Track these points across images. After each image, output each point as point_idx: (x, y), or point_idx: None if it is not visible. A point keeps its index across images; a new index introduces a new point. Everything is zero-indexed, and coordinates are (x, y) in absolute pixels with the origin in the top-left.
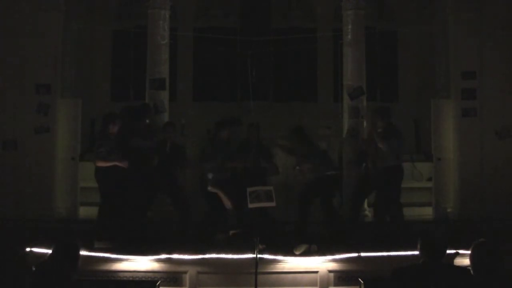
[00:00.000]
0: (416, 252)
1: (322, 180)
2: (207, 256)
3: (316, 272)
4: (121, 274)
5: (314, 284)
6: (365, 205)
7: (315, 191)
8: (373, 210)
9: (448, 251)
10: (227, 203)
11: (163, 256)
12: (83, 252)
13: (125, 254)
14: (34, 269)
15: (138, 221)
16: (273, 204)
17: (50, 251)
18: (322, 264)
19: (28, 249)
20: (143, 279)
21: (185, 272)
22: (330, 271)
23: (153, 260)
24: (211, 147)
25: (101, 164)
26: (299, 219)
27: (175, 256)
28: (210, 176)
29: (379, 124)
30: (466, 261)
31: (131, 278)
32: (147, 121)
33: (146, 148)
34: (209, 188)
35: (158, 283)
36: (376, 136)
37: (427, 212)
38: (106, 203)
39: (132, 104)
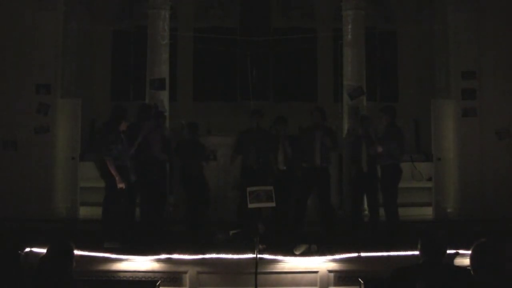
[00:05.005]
0: (416, 252)
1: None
2: (207, 256)
3: (316, 272)
4: (121, 274)
5: (314, 284)
6: (365, 205)
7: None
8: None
9: (448, 251)
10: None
11: (163, 256)
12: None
13: (125, 254)
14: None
15: (155, 220)
16: (273, 204)
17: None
18: (322, 264)
19: (28, 249)
20: (143, 279)
21: (185, 272)
22: (330, 271)
23: (153, 260)
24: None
25: (109, 166)
26: (296, 218)
27: (175, 256)
28: None
29: (382, 121)
30: (466, 261)
31: (131, 278)
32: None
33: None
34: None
35: (158, 283)
36: (373, 139)
37: (427, 212)
38: (112, 201)
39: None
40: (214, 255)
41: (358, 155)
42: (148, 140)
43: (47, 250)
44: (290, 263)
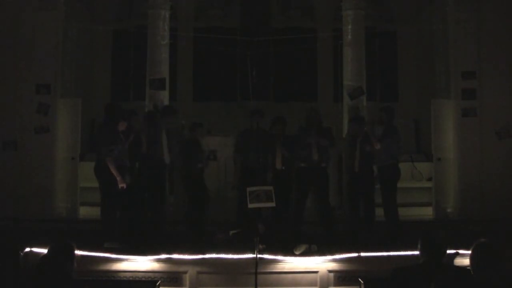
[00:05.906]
0: (416, 252)
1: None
2: (207, 256)
3: (316, 272)
4: (121, 274)
5: (314, 284)
6: None
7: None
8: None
9: (448, 251)
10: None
11: (163, 256)
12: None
13: (125, 254)
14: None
15: (154, 219)
16: (273, 204)
17: (45, 252)
18: (322, 264)
19: (28, 249)
20: (143, 279)
21: (185, 272)
22: (330, 271)
23: (153, 260)
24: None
25: (110, 166)
26: (295, 218)
27: (175, 256)
28: None
29: (381, 121)
30: (466, 261)
31: (131, 278)
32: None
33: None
34: None
35: (158, 283)
36: (371, 137)
37: (427, 212)
38: (108, 201)
39: (132, 104)
40: (214, 255)
41: (352, 156)
42: (148, 140)
43: (47, 250)
44: (290, 263)
